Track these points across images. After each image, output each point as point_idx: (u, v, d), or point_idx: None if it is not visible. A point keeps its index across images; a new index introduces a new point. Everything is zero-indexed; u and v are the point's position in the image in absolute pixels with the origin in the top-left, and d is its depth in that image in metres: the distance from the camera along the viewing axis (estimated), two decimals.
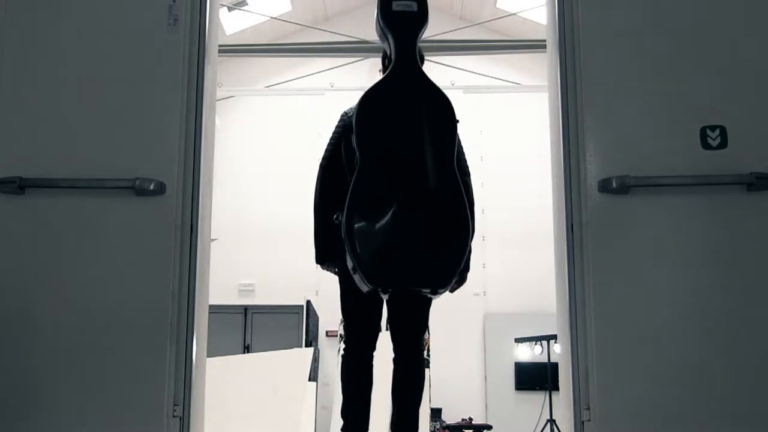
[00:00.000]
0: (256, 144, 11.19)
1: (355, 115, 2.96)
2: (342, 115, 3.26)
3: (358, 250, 2.81)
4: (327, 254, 3.23)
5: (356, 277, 2.86)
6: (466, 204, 2.89)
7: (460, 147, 3.08)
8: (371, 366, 3.15)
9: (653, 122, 2.35)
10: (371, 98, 2.96)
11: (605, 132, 2.36)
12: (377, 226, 2.83)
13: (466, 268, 3.03)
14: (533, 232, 9.77)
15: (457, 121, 2.98)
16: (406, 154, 2.90)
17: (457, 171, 2.90)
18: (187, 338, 2.32)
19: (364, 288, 2.85)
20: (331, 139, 3.28)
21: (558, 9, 2.51)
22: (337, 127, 3.25)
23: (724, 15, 2.41)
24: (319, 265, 3.28)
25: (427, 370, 6.83)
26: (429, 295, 2.94)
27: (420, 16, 3.02)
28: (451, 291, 3.03)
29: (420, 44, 3.04)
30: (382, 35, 3.08)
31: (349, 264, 2.85)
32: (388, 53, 3.07)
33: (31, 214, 2.34)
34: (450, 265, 2.82)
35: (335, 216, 3.06)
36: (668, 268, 2.28)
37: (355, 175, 2.87)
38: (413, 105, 2.96)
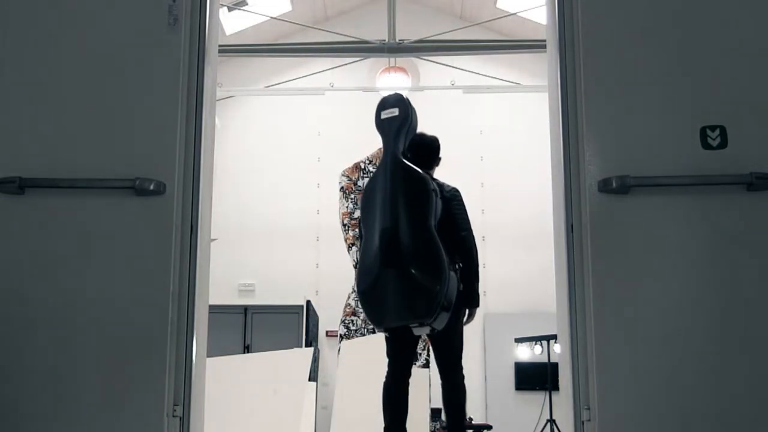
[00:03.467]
0: (256, 144, 11.18)
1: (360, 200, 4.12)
2: None
3: (362, 302, 3.90)
4: None
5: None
6: (440, 253, 3.70)
7: (460, 207, 3.98)
8: (406, 388, 3.93)
9: (653, 122, 2.35)
10: (368, 186, 4.08)
11: (605, 132, 2.36)
12: (371, 282, 3.82)
13: (476, 304, 3.99)
14: (533, 232, 9.78)
15: (433, 191, 3.83)
16: (387, 225, 3.82)
17: (431, 229, 3.74)
18: (187, 338, 2.32)
19: (380, 331, 3.92)
20: None
21: (558, 9, 2.52)
22: None
23: (724, 15, 2.41)
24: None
25: (426, 370, 6.91)
26: (429, 328, 3.74)
27: (402, 118, 4.04)
28: (465, 323, 3.99)
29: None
30: (380, 135, 4.11)
31: None
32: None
33: (31, 214, 2.34)
34: (427, 303, 3.65)
35: None
36: (668, 268, 2.28)
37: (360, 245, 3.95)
38: (394, 187, 3.89)
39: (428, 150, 4.13)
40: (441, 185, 4.00)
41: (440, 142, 4.20)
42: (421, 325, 3.72)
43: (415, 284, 3.69)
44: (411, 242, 3.74)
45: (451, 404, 3.93)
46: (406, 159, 3.98)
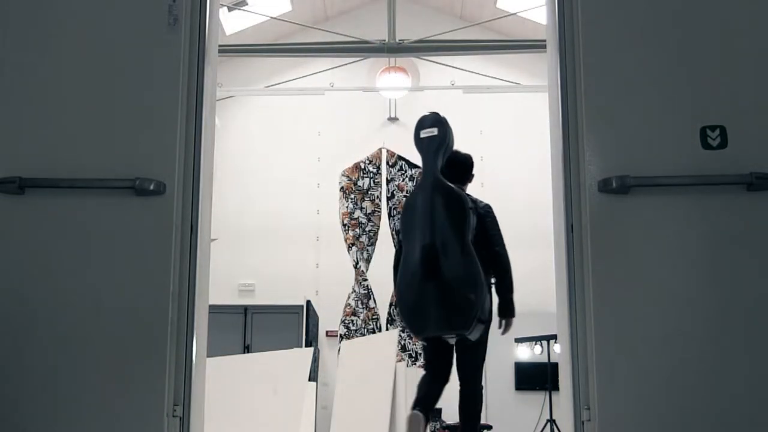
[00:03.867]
0: (256, 144, 11.18)
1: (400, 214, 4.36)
2: None
3: (403, 313, 4.18)
4: None
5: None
6: (477, 268, 3.93)
7: (494, 223, 4.28)
8: (439, 389, 4.21)
9: (653, 122, 2.35)
10: (407, 201, 4.39)
11: (605, 132, 2.36)
12: (411, 293, 4.06)
13: (512, 314, 4.29)
14: (533, 232, 9.77)
15: (470, 209, 4.06)
16: (427, 241, 4.04)
17: (469, 245, 3.96)
18: (187, 338, 2.32)
19: (418, 339, 4.25)
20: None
21: (558, 9, 2.52)
22: None
23: (724, 15, 2.41)
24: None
25: None
26: (460, 337, 3.99)
27: (440, 138, 4.23)
28: (503, 333, 4.29)
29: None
30: (418, 152, 4.35)
31: None
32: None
33: (31, 214, 2.34)
34: (464, 315, 3.88)
35: None
36: (668, 268, 2.28)
37: (400, 259, 4.18)
38: (432, 203, 4.10)
39: (463, 167, 4.40)
40: (475, 201, 4.26)
41: (473, 159, 4.49)
42: (458, 336, 3.99)
43: (453, 298, 3.94)
44: (450, 258, 3.98)
45: (467, 412, 4.18)
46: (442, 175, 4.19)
